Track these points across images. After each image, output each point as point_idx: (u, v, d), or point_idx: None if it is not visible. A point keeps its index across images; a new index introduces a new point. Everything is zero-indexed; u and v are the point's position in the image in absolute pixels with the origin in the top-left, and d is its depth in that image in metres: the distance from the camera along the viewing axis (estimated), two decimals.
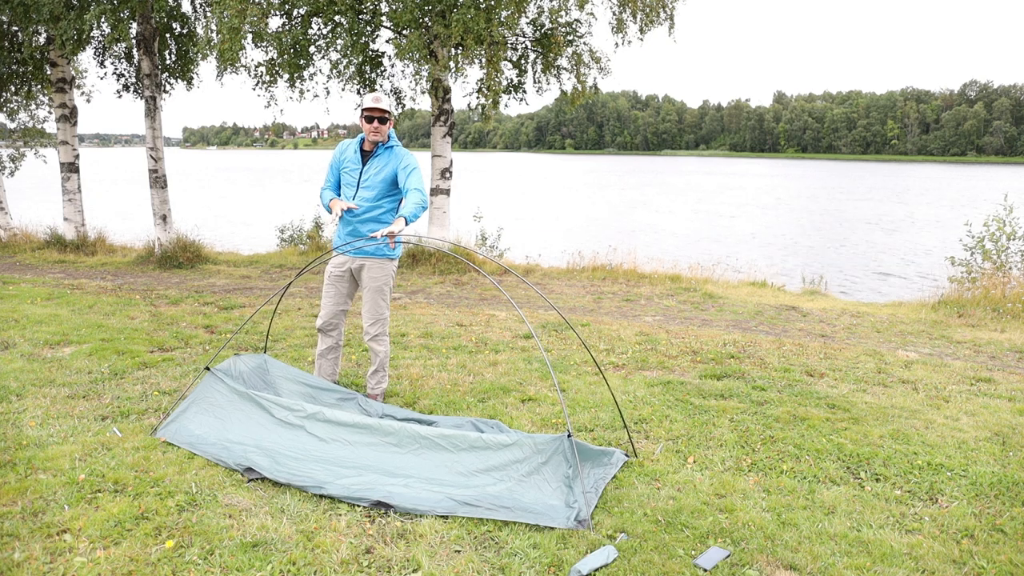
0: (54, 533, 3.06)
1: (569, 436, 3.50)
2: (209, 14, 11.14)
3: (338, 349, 4.84)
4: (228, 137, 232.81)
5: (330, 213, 4.57)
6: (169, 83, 12.45)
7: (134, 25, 10.71)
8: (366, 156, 4.58)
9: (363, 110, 4.46)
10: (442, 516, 3.28)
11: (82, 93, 14.02)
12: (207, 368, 4.33)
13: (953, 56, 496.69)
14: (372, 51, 10.40)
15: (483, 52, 9.74)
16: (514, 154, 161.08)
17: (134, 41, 10.93)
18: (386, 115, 4.46)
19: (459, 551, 3.03)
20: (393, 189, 4.55)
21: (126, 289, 8.83)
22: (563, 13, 10.48)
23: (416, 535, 3.14)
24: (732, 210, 33.72)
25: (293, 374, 4.75)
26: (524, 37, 10.81)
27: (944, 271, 10.28)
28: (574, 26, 10.64)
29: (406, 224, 4.19)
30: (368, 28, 10.04)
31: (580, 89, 11.20)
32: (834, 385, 5.36)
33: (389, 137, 4.58)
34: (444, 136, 10.90)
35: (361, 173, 4.56)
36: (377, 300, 4.62)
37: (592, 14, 10.71)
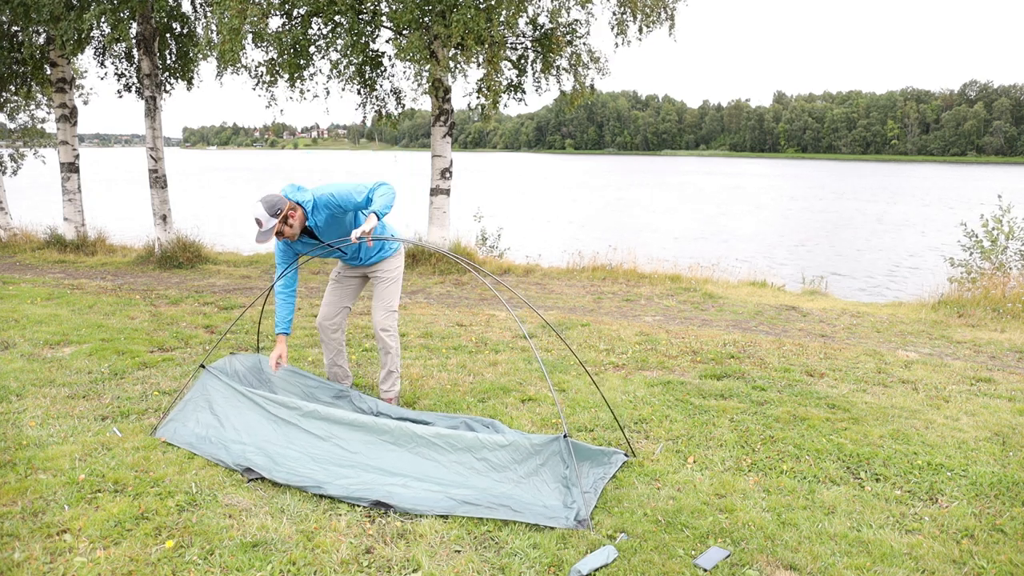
0: (54, 533, 3.06)
1: (566, 437, 3.50)
2: (209, 14, 11.15)
3: (343, 353, 4.80)
4: (228, 137, 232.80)
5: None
6: (169, 83, 12.45)
7: (134, 25, 10.70)
8: (307, 229, 4.25)
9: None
10: (442, 516, 3.28)
11: (80, 95, 14.03)
12: (202, 366, 4.33)
13: (953, 56, 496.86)
14: (372, 51, 10.40)
15: (483, 52, 9.73)
16: (514, 154, 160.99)
17: (134, 41, 10.93)
18: (282, 227, 4.07)
19: (459, 551, 3.03)
20: (354, 217, 4.33)
21: (126, 289, 8.83)
22: (563, 13, 10.48)
23: (416, 535, 3.14)
24: (732, 210, 33.73)
25: (288, 372, 4.75)
26: (524, 37, 10.81)
27: (935, 274, 10.29)
28: (574, 26, 10.65)
29: (378, 219, 4.08)
30: (368, 28, 10.03)
31: (579, 89, 11.20)
32: (834, 385, 5.36)
33: (307, 210, 4.17)
34: (444, 136, 10.90)
35: (320, 239, 4.30)
36: (392, 288, 4.62)
37: (592, 14, 10.70)
